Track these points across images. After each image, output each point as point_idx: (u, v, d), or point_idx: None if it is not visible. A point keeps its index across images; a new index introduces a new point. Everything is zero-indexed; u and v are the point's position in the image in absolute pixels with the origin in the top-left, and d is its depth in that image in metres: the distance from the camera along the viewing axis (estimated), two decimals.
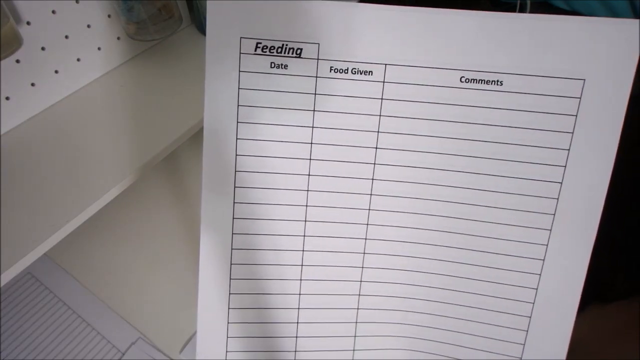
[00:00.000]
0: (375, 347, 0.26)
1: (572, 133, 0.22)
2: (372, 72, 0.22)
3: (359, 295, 0.25)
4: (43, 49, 0.42)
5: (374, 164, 0.24)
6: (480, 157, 0.23)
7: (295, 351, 0.26)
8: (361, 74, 0.22)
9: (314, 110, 0.23)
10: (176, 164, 0.65)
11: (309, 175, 0.24)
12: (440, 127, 0.23)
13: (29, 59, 0.41)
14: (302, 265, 0.25)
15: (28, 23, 0.40)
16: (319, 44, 0.21)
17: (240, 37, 0.21)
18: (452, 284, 0.25)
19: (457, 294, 0.25)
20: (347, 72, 0.22)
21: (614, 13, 0.88)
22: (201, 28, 0.57)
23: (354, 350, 0.25)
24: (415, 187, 0.24)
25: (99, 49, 0.48)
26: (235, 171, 0.24)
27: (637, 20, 0.21)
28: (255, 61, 0.22)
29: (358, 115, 0.23)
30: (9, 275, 0.35)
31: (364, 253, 0.24)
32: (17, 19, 0.39)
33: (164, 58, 0.54)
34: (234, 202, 0.24)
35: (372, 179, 0.24)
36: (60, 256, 0.55)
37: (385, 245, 0.24)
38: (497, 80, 0.22)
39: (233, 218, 0.25)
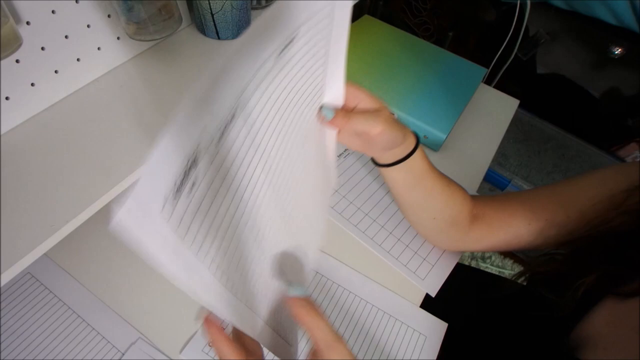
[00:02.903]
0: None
1: (330, 39, 0.32)
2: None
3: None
4: (43, 49, 0.42)
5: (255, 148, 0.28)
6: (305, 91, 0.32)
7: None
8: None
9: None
10: None
11: None
12: (283, 94, 0.29)
13: (29, 59, 0.41)
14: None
15: (28, 23, 0.40)
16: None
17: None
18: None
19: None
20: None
21: (614, 13, 0.88)
22: (201, 28, 0.57)
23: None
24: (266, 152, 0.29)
25: (98, 49, 0.48)
26: None
27: None
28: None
29: None
30: (9, 275, 0.35)
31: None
32: (17, 19, 0.39)
33: (164, 58, 0.54)
34: None
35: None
36: (60, 256, 0.55)
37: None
38: (293, 37, 0.27)
39: None
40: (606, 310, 0.39)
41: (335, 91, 0.37)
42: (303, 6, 0.26)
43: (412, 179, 0.49)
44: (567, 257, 0.45)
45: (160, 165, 0.19)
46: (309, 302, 0.30)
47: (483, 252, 1.51)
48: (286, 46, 0.27)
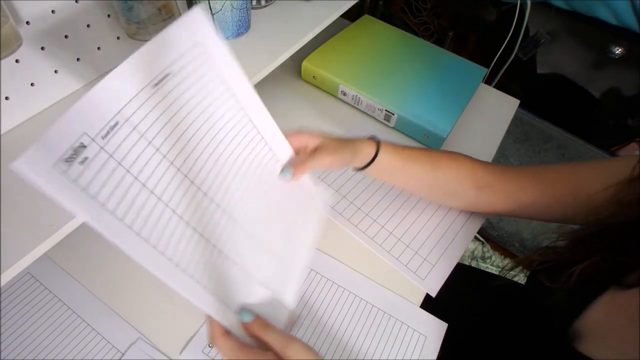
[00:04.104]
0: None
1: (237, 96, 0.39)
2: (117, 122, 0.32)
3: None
4: (43, 49, 0.42)
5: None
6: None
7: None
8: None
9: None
10: None
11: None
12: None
13: (29, 59, 0.41)
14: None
15: (28, 23, 0.40)
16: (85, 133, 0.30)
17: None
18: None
19: None
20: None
21: (614, 13, 0.88)
22: None
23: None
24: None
25: (98, 49, 0.48)
26: None
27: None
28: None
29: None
30: (9, 275, 0.35)
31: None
32: (17, 19, 0.39)
33: None
34: None
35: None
36: (60, 256, 0.55)
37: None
38: (167, 74, 0.34)
39: None
40: (606, 301, 0.40)
41: (283, 150, 0.45)
42: (167, 50, 0.34)
43: (386, 173, 0.55)
44: (566, 248, 0.45)
45: (53, 138, 0.28)
46: (258, 321, 0.37)
47: (483, 252, 1.51)
48: (160, 80, 0.34)
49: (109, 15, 0.47)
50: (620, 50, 0.96)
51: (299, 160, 0.46)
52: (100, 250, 0.56)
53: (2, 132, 0.43)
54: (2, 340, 0.48)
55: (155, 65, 0.34)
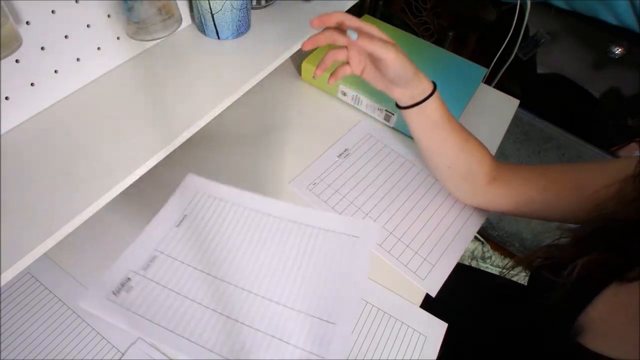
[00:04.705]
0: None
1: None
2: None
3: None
4: (43, 48, 0.42)
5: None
6: None
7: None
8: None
9: None
10: (175, 163, 0.65)
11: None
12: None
13: (29, 58, 0.41)
14: None
15: (28, 23, 0.40)
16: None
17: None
18: None
19: None
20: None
21: (614, 13, 0.88)
22: (201, 28, 0.57)
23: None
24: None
25: (98, 49, 0.48)
26: None
27: None
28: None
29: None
30: (9, 275, 0.35)
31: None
32: (17, 19, 0.39)
33: (164, 58, 0.54)
34: None
35: None
36: (60, 256, 0.55)
37: None
38: (185, 216, 0.48)
39: None
40: (608, 297, 0.40)
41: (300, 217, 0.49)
42: (178, 203, 0.49)
43: (427, 124, 0.55)
44: (568, 246, 0.45)
45: (102, 282, 0.41)
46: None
47: (483, 252, 1.51)
48: (181, 221, 0.47)
49: (109, 16, 0.47)
50: (620, 50, 0.96)
51: (370, 35, 0.47)
52: (100, 251, 0.56)
53: (2, 132, 0.43)
54: (2, 340, 0.48)
55: (173, 214, 0.47)
